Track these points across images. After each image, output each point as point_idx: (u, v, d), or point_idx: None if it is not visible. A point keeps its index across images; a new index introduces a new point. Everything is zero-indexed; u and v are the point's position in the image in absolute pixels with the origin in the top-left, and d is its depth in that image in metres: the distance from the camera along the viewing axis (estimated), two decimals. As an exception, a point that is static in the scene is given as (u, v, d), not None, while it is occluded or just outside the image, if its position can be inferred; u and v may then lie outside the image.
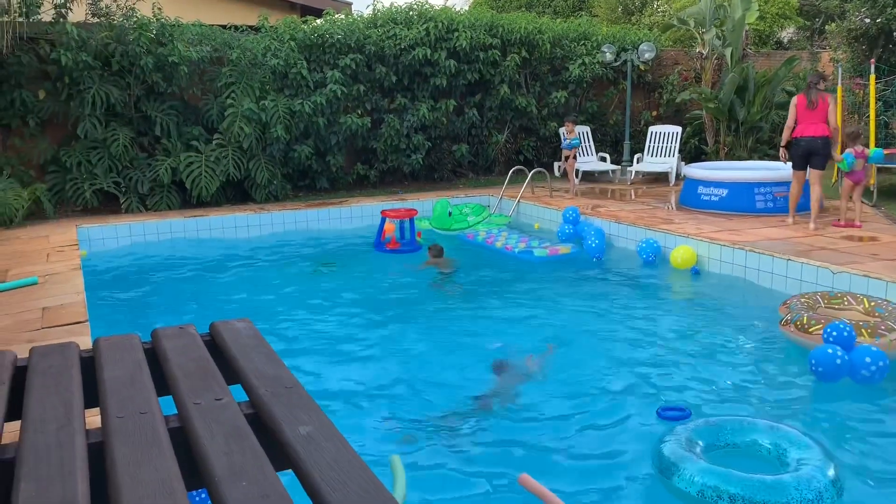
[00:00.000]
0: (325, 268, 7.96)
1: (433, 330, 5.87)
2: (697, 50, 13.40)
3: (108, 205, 9.76)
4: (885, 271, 5.77)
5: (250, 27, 10.99)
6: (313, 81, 10.83)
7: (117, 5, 9.87)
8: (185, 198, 9.96)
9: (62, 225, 8.66)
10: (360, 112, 11.38)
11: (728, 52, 12.40)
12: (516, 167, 10.78)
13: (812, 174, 7.88)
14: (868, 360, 4.28)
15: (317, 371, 4.88)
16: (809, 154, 7.79)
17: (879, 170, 9.47)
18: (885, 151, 10.03)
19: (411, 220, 8.89)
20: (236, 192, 10.48)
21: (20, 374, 1.62)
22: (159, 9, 10.02)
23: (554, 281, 7.35)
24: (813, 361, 4.37)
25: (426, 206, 10.27)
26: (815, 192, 7.89)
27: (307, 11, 13.01)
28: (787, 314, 5.14)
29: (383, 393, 4.56)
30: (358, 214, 10.07)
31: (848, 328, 4.51)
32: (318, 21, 11.59)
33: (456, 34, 11.65)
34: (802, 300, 5.32)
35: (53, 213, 9.18)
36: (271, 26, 10.95)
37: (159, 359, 1.70)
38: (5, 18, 8.64)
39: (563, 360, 5.11)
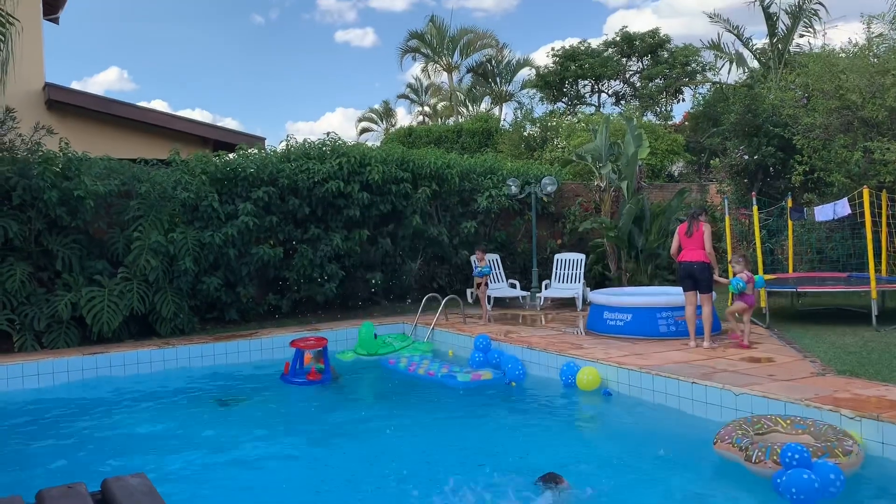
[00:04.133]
0: (232, 405, 7.64)
1: (358, 472, 5.67)
2: (596, 183, 14.24)
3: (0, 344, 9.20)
4: (783, 391, 6.04)
5: (161, 161, 11.01)
6: (224, 213, 10.82)
7: (22, 140, 9.74)
8: (86, 334, 9.52)
9: (-55, 366, 8.07)
10: (272, 242, 11.38)
11: (624, 184, 13.25)
12: (430, 295, 10.92)
13: (700, 297, 8.43)
14: (832, 476, 4.42)
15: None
16: (692, 277, 8.39)
17: (770, 294, 10.09)
18: (770, 276, 10.77)
19: (325, 349, 8.76)
20: (140, 327, 10.10)
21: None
22: (66, 143, 9.95)
23: (477, 405, 7.41)
24: (793, 490, 4.38)
25: (339, 335, 10.17)
26: (704, 313, 8.41)
27: (219, 146, 13.18)
28: (737, 448, 5.10)
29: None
30: (269, 346, 9.83)
31: (805, 449, 4.61)
32: (231, 155, 11.74)
33: (368, 168, 12.00)
34: (739, 431, 5.35)
35: (-64, 354, 8.58)
36: (182, 160, 11.01)
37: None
38: None
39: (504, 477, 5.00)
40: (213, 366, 9.27)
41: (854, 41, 12.72)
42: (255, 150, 11.95)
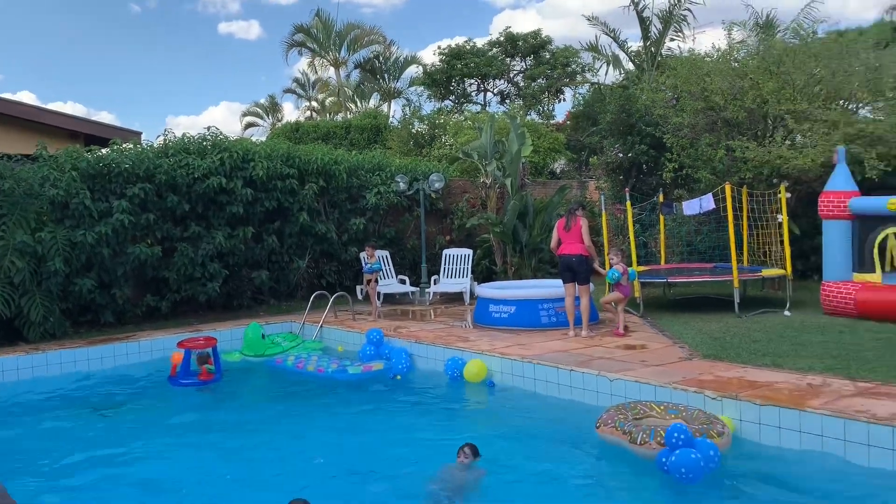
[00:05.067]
0: (110, 411, 7.31)
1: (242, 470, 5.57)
2: (482, 180, 14.52)
3: None
4: (653, 376, 6.43)
5: (26, 156, 10.34)
6: (98, 211, 10.29)
7: None
8: (-59, 341, 8.83)
9: None
10: (149, 241, 10.94)
11: (508, 181, 13.60)
12: (318, 292, 10.82)
13: (578, 288, 8.82)
14: (712, 453, 4.81)
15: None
16: (570, 269, 8.73)
17: (643, 284, 10.65)
18: (644, 268, 11.39)
19: (215, 349, 8.57)
20: (6, 332, 9.45)
21: None
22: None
23: (363, 400, 7.47)
24: (683, 470, 4.69)
25: (223, 335, 9.89)
26: (583, 303, 8.84)
27: (92, 140, 12.48)
28: (620, 432, 5.38)
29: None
30: (148, 349, 9.44)
31: (688, 430, 4.92)
32: (104, 150, 11.17)
33: (252, 164, 11.73)
34: (620, 416, 5.63)
35: None
36: (50, 155, 10.38)
37: None
38: None
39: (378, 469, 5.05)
40: (87, 371, 8.81)
41: (717, 46, 13.60)
42: (131, 145, 11.41)
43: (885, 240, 9.14)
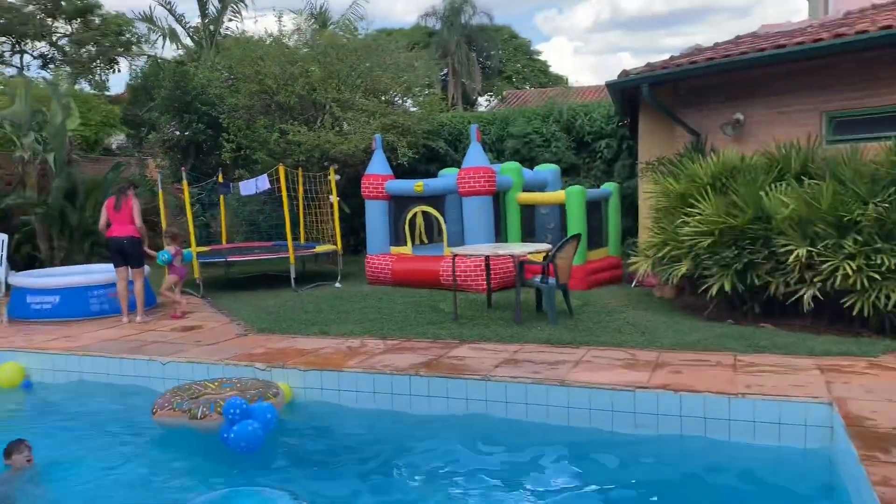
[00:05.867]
0: None
1: None
2: (18, 154, 12.78)
3: None
4: (206, 356, 6.51)
5: None
6: None
7: None
8: None
9: None
10: None
11: (51, 157, 12.22)
12: None
13: (132, 272, 8.48)
14: (269, 416, 5.02)
15: None
16: (122, 252, 8.35)
17: (204, 265, 10.62)
18: (205, 248, 11.38)
19: None
20: None
21: None
22: None
23: None
24: (243, 444, 4.78)
25: None
26: (137, 287, 8.50)
27: None
28: (180, 411, 5.24)
29: None
30: None
31: (244, 402, 5.00)
32: None
33: None
34: (176, 398, 5.48)
35: None
36: None
37: None
38: None
39: None
40: None
41: (270, 31, 14.10)
42: None
43: (414, 217, 10.62)
